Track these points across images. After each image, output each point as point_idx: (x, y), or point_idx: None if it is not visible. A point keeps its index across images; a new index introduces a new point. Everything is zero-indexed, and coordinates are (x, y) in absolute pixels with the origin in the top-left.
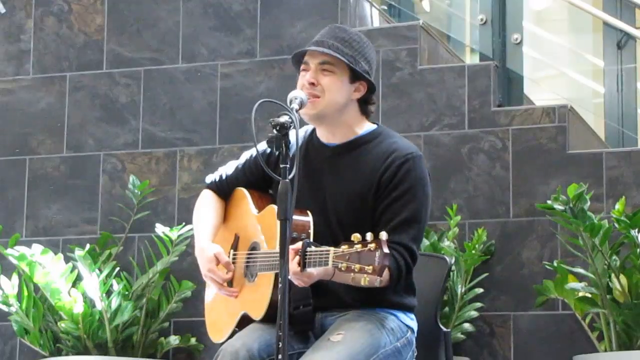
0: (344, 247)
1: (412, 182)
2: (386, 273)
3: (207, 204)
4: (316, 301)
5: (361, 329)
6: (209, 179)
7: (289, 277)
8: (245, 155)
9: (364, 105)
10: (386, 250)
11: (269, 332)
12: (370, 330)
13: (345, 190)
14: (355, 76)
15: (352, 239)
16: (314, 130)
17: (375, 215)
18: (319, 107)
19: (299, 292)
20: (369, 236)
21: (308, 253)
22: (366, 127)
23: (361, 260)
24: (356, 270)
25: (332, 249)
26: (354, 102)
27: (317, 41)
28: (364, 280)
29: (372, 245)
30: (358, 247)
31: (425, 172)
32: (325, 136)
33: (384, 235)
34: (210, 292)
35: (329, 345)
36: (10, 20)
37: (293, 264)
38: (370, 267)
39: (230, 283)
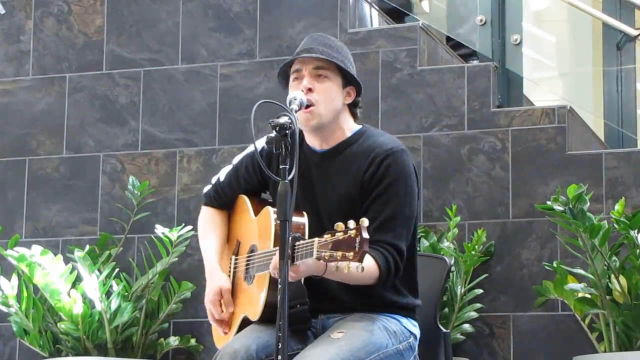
0: (327, 237)
1: (393, 178)
2: (374, 266)
3: (208, 222)
4: (318, 304)
5: (363, 328)
6: (205, 190)
7: (274, 271)
8: (237, 161)
9: (353, 108)
10: (365, 235)
11: (267, 332)
12: (372, 331)
13: (335, 193)
14: (347, 81)
15: (335, 227)
16: (301, 136)
17: (362, 215)
18: (317, 117)
19: (295, 291)
20: (351, 224)
21: (297, 246)
22: (353, 128)
23: (343, 247)
24: (338, 257)
25: (316, 239)
26: (345, 107)
27: (306, 49)
28: (347, 268)
29: (352, 232)
30: (340, 235)
31: (408, 166)
32: (318, 143)
33: (365, 221)
34: None
35: (329, 341)
36: (10, 21)
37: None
38: (351, 253)
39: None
